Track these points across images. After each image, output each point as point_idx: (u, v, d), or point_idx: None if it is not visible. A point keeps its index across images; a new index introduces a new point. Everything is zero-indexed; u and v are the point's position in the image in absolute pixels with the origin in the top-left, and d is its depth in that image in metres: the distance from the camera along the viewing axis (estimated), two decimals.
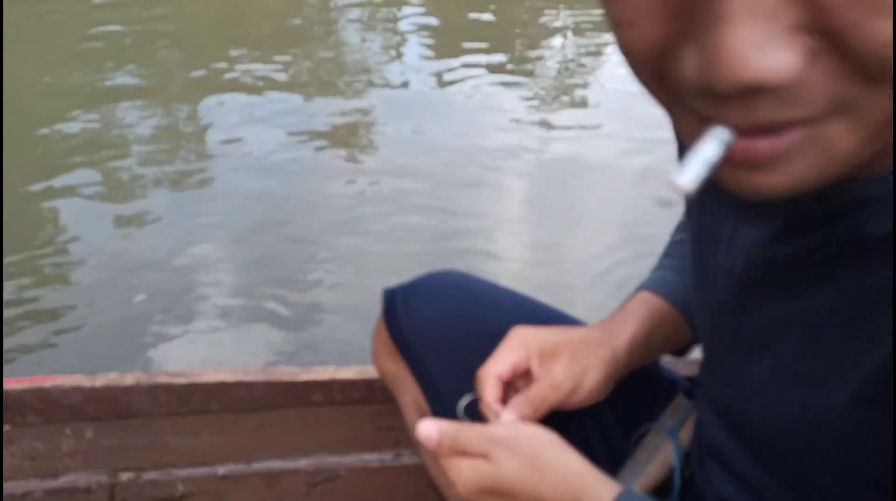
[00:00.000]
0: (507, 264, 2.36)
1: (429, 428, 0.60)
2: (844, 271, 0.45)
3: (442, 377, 0.79)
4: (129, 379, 0.99)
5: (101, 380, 1.00)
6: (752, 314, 0.54)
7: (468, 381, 0.79)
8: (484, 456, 0.59)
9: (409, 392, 0.85)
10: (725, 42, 0.23)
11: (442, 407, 0.80)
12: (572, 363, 0.68)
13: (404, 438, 1.08)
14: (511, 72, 3.81)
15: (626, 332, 0.73)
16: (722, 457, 0.64)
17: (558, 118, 3.43)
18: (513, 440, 0.60)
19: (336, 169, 2.98)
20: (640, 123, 3.18)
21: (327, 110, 3.46)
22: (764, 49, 0.23)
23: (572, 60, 4.04)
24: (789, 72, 0.24)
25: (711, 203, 0.58)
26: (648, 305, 0.75)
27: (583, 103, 3.62)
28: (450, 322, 0.80)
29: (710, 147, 0.27)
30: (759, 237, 0.52)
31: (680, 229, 0.87)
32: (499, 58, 3.97)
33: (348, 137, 3.28)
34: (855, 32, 0.23)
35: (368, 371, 1.02)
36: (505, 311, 0.82)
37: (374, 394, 1.03)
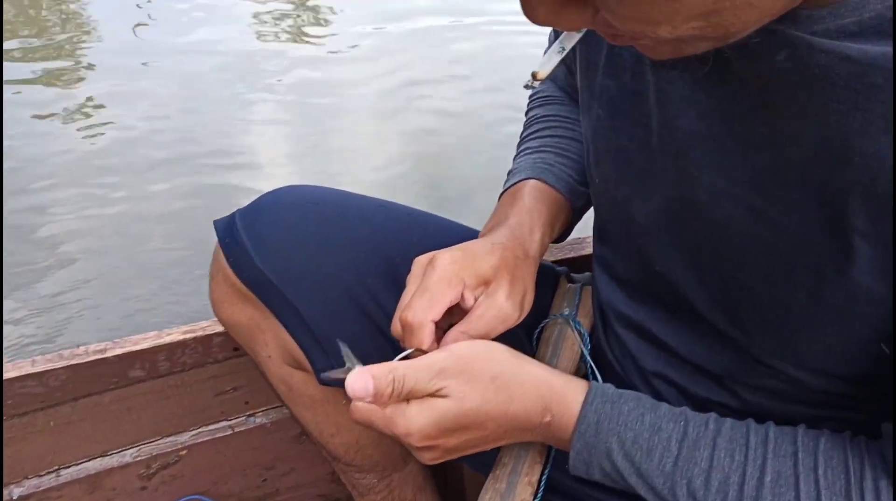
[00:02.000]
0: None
1: (358, 381, 0.47)
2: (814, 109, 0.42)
3: (316, 312, 0.65)
4: None
5: None
6: (699, 168, 0.49)
7: (351, 313, 0.66)
8: (436, 393, 0.49)
9: (270, 341, 0.70)
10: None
11: (321, 349, 0.66)
12: (513, 288, 0.59)
13: (257, 396, 0.92)
14: None
15: (535, 236, 0.65)
16: (645, 332, 0.61)
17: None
18: (467, 364, 0.50)
19: (44, 91, 2.40)
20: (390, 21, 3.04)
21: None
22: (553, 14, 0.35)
23: None
24: (574, 26, 0.37)
25: (625, 70, 0.53)
26: (544, 199, 0.68)
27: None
28: (313, 245, 0.66)
29: (555, 47, 0.44)
30: (693, 89, 0.47)
31: (539, 104, 0.81)
32: None
33: (51, 34, 2.67)
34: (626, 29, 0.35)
35: (200, 328, 0.84)
36: (376, 223, 0.69)
37: (210, 353, 0.85)
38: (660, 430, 0.52)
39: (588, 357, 0.67)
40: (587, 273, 0.82)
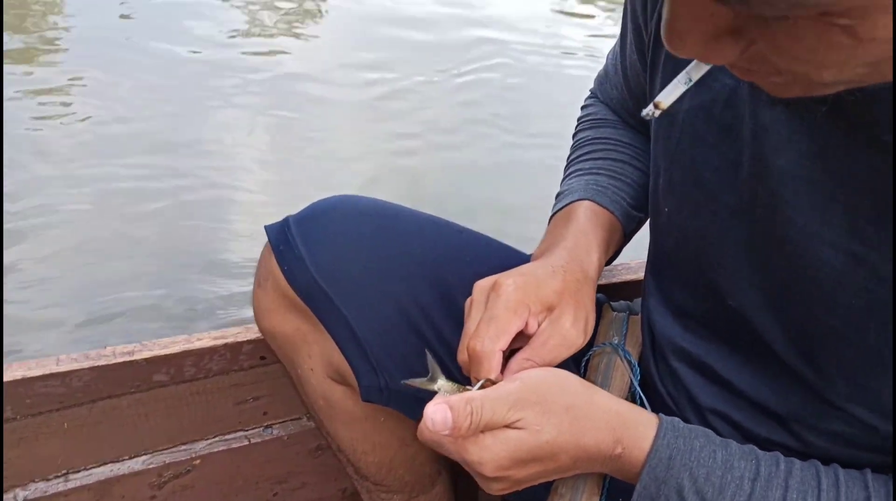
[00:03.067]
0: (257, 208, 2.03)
1: (438, 412, 0.46)
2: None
3: (368, 327, 0.64)
4: None
5: None
6: (794, 209, 0.48)
7: (403, 331, 0.64)
8: (511, 425, 0.48)
9: (315, 354, 0.68)
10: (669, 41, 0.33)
11: (370, 365, 0.64)
12: (577, 313, 0.58)
13: (276, 407, 0.90)
14: None
15: (593, 259, 0.64)
16: (705, 367, 0.60)
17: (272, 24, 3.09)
18: (542, 395, 0.49)
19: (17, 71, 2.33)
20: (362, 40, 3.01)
21: None
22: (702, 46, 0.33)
23: None
24: (723, 60, 0.34)
25: (716, 102, 0.53)
26: (599, 221, 0.67)
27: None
28: (369, 258, 0.64)
29: (682, 77, 0.41)
30: (796, 129, 0.47)
31: (589, 126, 0.80)
32: None
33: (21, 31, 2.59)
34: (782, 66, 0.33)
35: (231, 334, 0.81)
36: (429, 240, 0.68)
37: (237, 361, 0.83)
38: (732, 468, 0.51)
39: (638, 389, 0.67)
40: (623, 301, 0.82)
